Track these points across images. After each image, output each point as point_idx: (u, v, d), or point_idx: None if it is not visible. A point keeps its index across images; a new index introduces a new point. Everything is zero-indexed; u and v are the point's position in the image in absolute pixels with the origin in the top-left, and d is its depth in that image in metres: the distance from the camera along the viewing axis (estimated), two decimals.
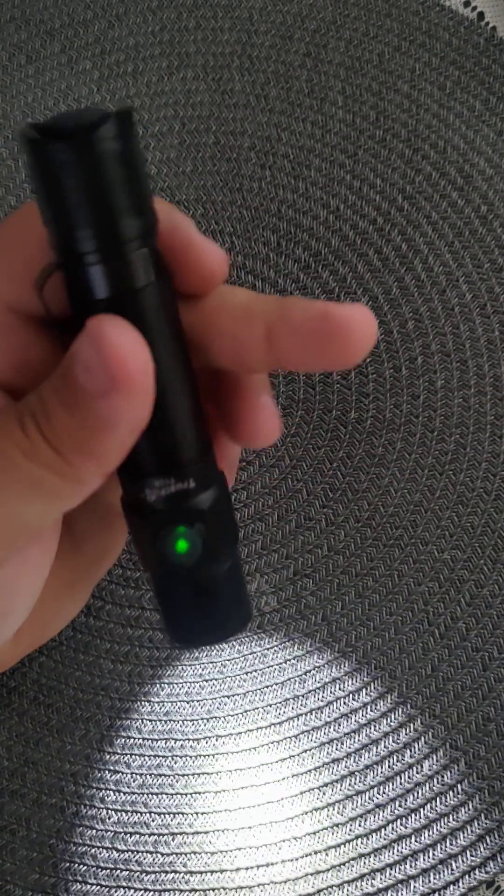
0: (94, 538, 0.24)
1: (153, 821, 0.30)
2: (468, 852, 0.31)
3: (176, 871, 0.30)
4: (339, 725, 0.31)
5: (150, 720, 0.31)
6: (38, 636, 0.25)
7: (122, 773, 0.31)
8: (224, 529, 0.20)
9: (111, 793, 0.30)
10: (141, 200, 0.17)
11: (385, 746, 0.31)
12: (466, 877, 0.30)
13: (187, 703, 0.31)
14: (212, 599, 0.21)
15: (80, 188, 0.17)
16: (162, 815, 0.30)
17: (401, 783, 0.31)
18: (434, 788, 0.31)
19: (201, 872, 0.30)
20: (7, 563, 0.19)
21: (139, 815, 0.30)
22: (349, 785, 0.31)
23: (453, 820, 0.31)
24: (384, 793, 0.31)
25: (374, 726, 0.32)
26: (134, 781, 0.31)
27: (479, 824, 0.31)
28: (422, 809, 0.31)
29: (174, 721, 0.31)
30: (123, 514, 0.20)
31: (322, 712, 0.32)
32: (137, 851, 0.30)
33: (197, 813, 0.30)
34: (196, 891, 0.30)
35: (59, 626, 0.26)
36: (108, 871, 0.30)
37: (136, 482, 0.19)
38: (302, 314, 0.18)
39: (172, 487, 0.19)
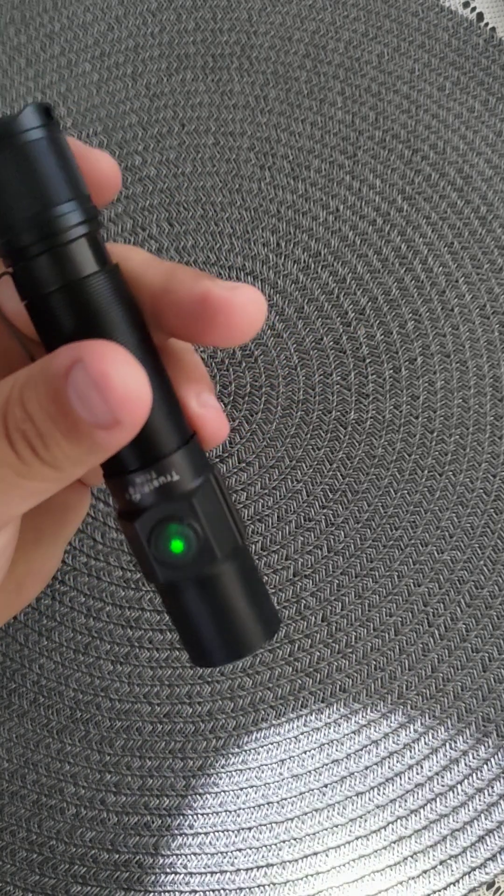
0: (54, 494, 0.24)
1: (154, 822, 0.30)
2: (468, 853, 0.31)
3: (176, 873, 0.30)
4: (339, 727, 0.31)
5: (151, 722, 0.31)
6: (14, 600, 0.24)
7: (123, 774, 0.31)
8: (221, 523, 0.19)
9: (111, 794, 0.30)
10: (72, 189, 0.17)
11: (385, 748, 0.31)
12: (466, 878, 0.30)
13: (188, 704, 0.31)
14: (222, 606, 0.19)
15: (7, 181, 0.17)
16: (162, 817, 0.30)
17: (401, 784, 0.31)
18: (434, 790, 0.31)
19: (201, 874, 0.30)
20: None
21: (140, 816, 0.30)
22: (349, 786, 0.31)
23: (453, 821, 0.31)
24: (384, 794, 0.31)
25: (374, 727, 0.32)
26: (134, 783, 0.31)
27: (479, 825, 0.31)
28: (422, 811, 0.31)
29: (175, 722, 0.31)
30: (119, 524, 0.20)
31: (322, 713, 0.32)
32: (138, 853, 0.30)
33: (197, 814, 0.30)
34: (196, 892, 0.30)
35: (36, 588, 0.25)
36: (109, 872, 0.30)
37: (121, 484, 0.18)
38: (185, 292, 0.18)
39: (155, 482, 0.18)
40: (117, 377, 0.15)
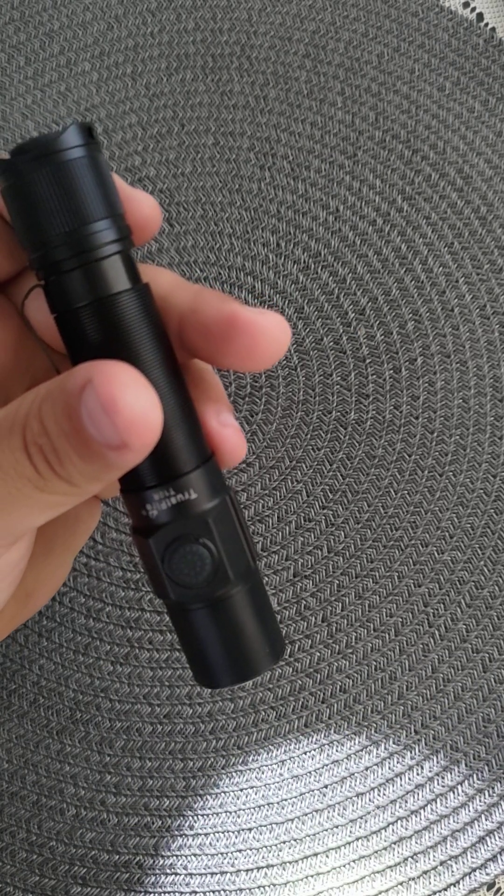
0: None
1: (154, 823, 0.30)
2: (469, 854, 0.31)
3: (176, 874, 0.30)
4: (340, 727, 0.31)
5: (151, 723, 0.31)
6: (22, 609, 0.24)
7: (123, 775, 0.31)
8: (235, 544, 0.19)
9: (111, 795, 0.30)
10: (108, 207, 0.18)
11: (386, 748, 0.31)
12: (467, 878, 0.30)
13: (188, 705, 0.31)
14: (231, 629, 0.19)
15: (46, 197, 0.17)
16: (163, 818, 0.30)
17: (401, 785, 0.31)
18: (434, 790, 0.31)
19: (201, 875, 0.30)
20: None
21: (140, 817, 0.30)
22: (349, 787, 0.31)
23: (454, 822, 0.31)
24: (384, 794, 0.31)
25: (375, 728, 0.32)
26: (134, 784, 0.31)
27: (479, 826, 0.31)
28: (422, 811, 0.31)
29: (175, 723, 0.31)
30: (133, 539, 0.20)
31: (322, 714, 0.32)
32: (138, 854, 0.30)
33: (197, 815, 0.30)
34: (196, 893, 0.30)
35: (44, 597, 0.25)
36: (109, 873, 0.30)
37: (138, 500, 0.18)
38: (213, 313, 0.18)
39: (173, 499, 0.18)
40: (124, 401, 0.15)
